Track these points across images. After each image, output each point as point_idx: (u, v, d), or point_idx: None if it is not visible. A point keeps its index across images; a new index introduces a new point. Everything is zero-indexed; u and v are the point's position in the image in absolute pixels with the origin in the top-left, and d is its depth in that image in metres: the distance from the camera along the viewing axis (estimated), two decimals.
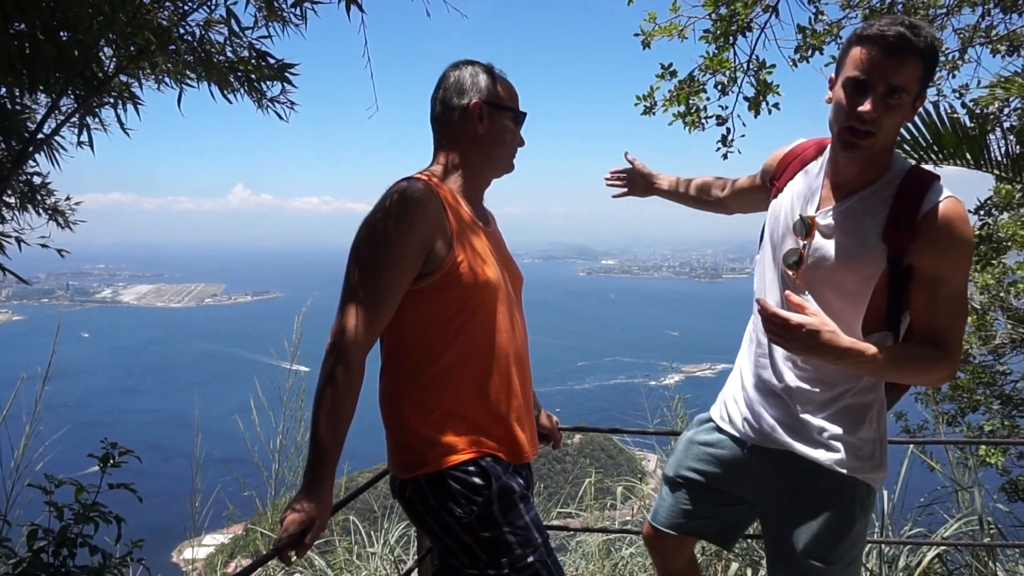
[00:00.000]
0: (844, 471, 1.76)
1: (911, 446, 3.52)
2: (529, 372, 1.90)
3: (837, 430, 1.77)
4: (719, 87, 5.07)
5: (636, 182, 2.53)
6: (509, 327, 1.80)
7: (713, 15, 4.86)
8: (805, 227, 1.77)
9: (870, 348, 1.62)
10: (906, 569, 3.15)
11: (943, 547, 3.22)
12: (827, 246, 1.73)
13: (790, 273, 1.80)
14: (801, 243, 1.77)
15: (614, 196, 2.58)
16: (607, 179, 2.58)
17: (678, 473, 2.10)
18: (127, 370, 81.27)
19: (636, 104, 5.24)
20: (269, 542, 3.93)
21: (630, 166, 2.54)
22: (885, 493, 3.37)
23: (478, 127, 1.79)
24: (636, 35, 5.06)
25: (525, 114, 1.87)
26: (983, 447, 5.14)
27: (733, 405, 1.98)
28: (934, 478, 3.66)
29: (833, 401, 1.77)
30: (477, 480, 1.67)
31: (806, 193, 1.83)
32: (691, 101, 5.11)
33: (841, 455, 1.76)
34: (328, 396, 1.57)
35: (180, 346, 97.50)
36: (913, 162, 1.74)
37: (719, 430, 2.02)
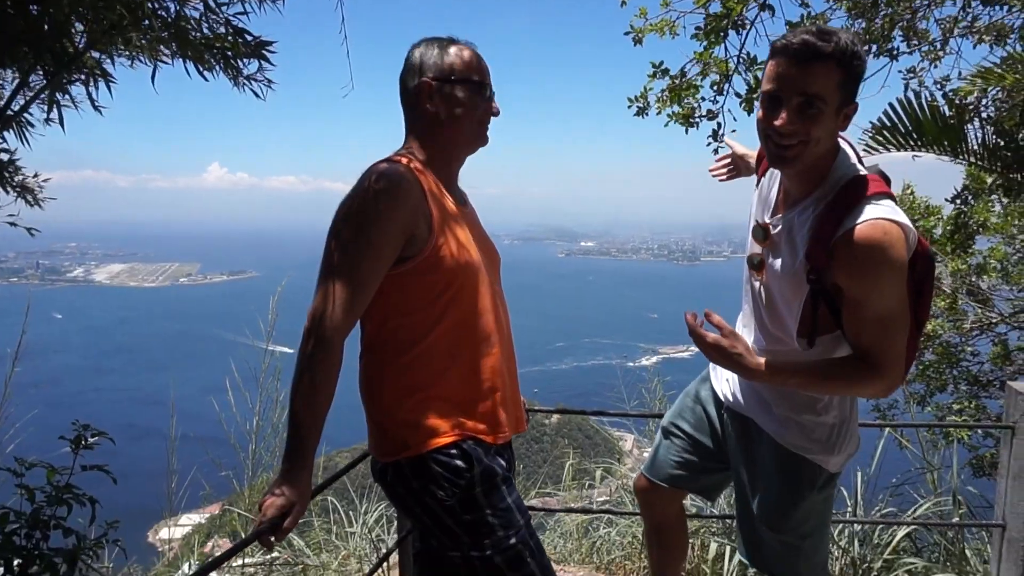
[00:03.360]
0: (792, 449, 1.84)
1: (885, 428, 3.58)
2: (513, 351, 1.90)
3: (789, 409, 1.84)
4: (715, 87, 5.09)
5: (738, 165, 2.48)
6: (491, 308, 1.79)
7: (706, 10, 4.86)
8: (762, 233, 1.82)
9: (776, 370, 1.68)
10: (877, 547, 3.22)
11: (914, 526, 3.30)
12: (774, 255, 1.78)
13: (754, 273, 1.86)
14: (761, 249, 1.82)
15: (721, 181, 2.52)
16: (712, 170, 2.52)
17: (673, 422, 2.21)
18: (99, 350, 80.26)
19: (629, 106, 5.24)
20: (246, 522, 3.91)
21: (729, 151, 2.49)
22: (859, 473, 3.43)
23: (429, 106, 1.76)
24: (627, 33, 5.04)
25: (481, 83, 1.77)
26: (952, 428, 5.26)
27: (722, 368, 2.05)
28: (906, 458, 3.73)
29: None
30: (459, 463, 1.67)
31: (766, 197, 1.87)
32: (685, 101, 5.12)
33: (791, 433, 1.85)
34: (306, 380, 1.55)
35: (153, 326, 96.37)
36: (861, 171, 1.68)
37: (712, 387, 2.12)
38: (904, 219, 1.59)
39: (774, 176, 1.86)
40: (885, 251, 1.54)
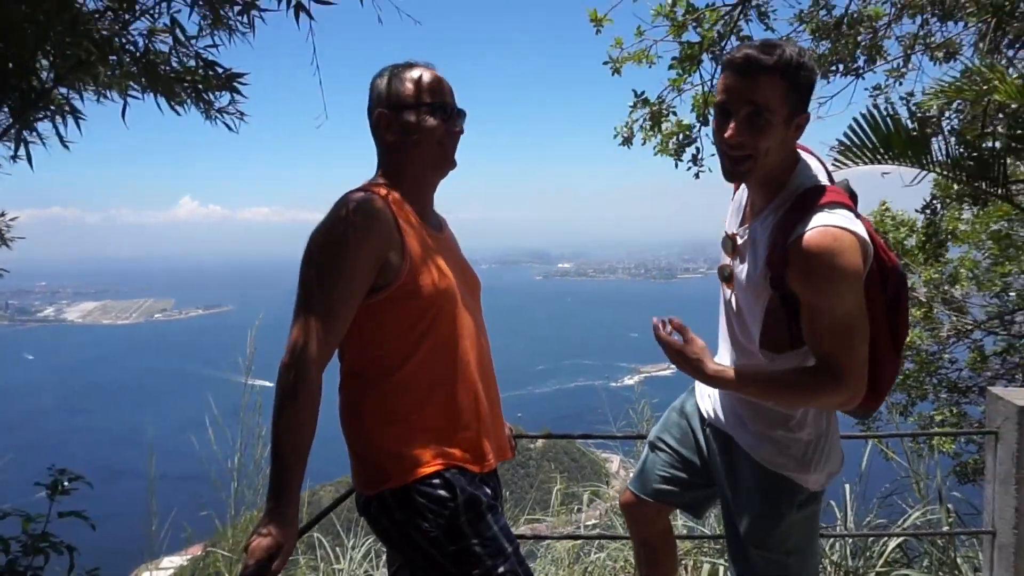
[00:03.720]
0: (768, 466, 1.84)
1: (870, 440, 3.60)
2: (494, 377, 1.89)
3: (764, 425, 1.84)
4: (695, 109, 5.17)
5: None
6: (470, 334, 1.78)
7: (678, 39, 4.95)
8: (730, 244, 1.84)
9: (738, 376, 1.70)
10: (870, 559, 3.21)
11: (903, 536, 3.30)
12: (739, 265, 1.80)
13: (724, 285, 1.87)
14: (730, 261, 1.84)
15: None
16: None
17: (659, 436, 2.21)
18: (71, 390, 78.68)
19: (615, 136, 5.31)
20: (230, 563, 3.81)
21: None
22: (848, 485, 3.44)
23: (387, 136, 1.76)
24: (605, 63, 5.11)
25: (441, 104, 1.74)
26: (936, 437, 5.31)
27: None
28: (892, 468, 3.74)
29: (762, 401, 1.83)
30: (443, 492, 1.64)
31: (737, 208, 1.90)
32: (663, 127, 5.19)
33: (765, 449, 1.84)
34: (287, 414, 1.52)
35: (128, 363, 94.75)
36: (821, 181, 1.71)
37: (697, 404, 2.12)
38: (859, 228, 1.59)
39: (744, 189, 1.88)
40: (835, 257, 1.54)
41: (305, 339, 1.55)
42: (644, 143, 5.31)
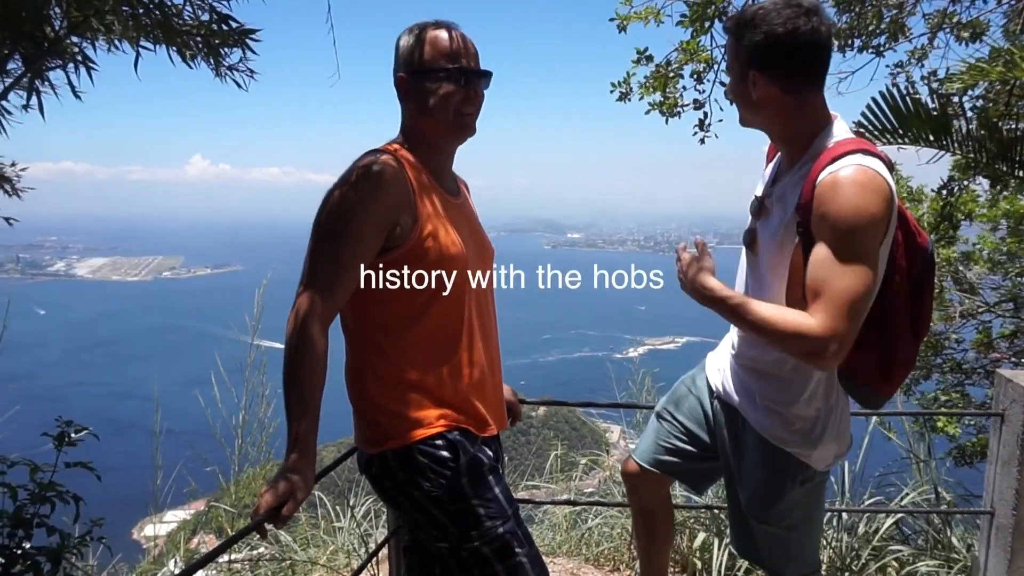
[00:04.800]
0: (773, 441, 1.84)
1: (873, 417, 3.59)
2: (497, 345, 1.89)
3: (771, 400, 1.84)
4: (695, 75, 5.09)
5: None
6: (477, 301, 1.78)
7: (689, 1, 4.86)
8: (757, 206, 1.85)
9: (729, 295, 1.69)
10: (865, 536, 3.23)
11: (900, 515, 3.32)
12: (765, 223, 1.81)
13: (746, 251, 1.88)
14: (755, 223, 1.85)
15: None
16: None
17: (666, 408, 2.22)
18: (79, 344, 79.40)
19: (612, 91, 5.23)
20: (232, 518, 3.88)
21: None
22: (846, 463, 3.45)
23: (406, 102, 1.76)
24: (611, 20, 5.02)
25: (455, 70, 1.69)
26: (941, 418, 5.32)
27: (718, 358, 2.09)
28: (893, 447, 3.75)
29: (771, 371, 1.84)
30: (445, 453, 1.66)
31: (767, 173, 1.91)
32: (667, 90, 5.12)
33: (771, 424, 1.85)
34: (294, 370, 1.55)
35: (136, 320, 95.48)
36: (849, 136, 1.72)
37: (707, 378, 2.13)
38: (890, 180, 1.60)
39: (777, 157, 1.90)
40: (863, 193, 1.54)
41: (310, 297, 1.57)
42: (641, 99, 5.24)
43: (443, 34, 1.72)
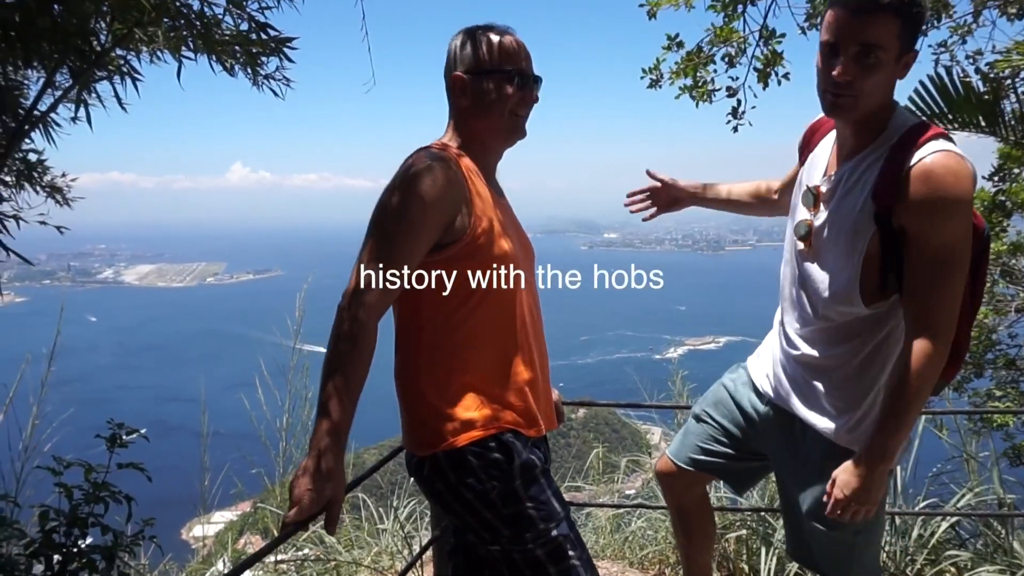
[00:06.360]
0: (841, 443, 1.78)
1: (922, 416, 3.48)
2: (545, 345, 1.88)
3: (838, 400, 1.79)
4: (727, 59, 4.98)
5: (660, 197, 2.40)
6: (526, 300, 1.78)
7: None
8: (812, 197, 1.78)
9: (885, 434, 1.63)
10: (920, 540, 3.14)
11: (957, 517, 3.21)
12: (827, 213, 1.74)
13: (800, 245, 1.80)
14: (810, 214, 1.78)
15: (644, 219, 2.43)
16: (627, 204, 2.43)
17: (704, 410, 2.17)
18: (128, 349, 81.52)
19: (642, 77, 5.15)
20: (278, 520, 3.93)
21: (651, 185, 2.39)
22: (897, 465, 3.35)
23: (461, 100, 1.76)
24: (641, 5, 4.95)
25: (513, 72, 1.73)
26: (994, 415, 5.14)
27: (763, 360, 2.03)
28: (943, 447, 3.64)
29: (838, 372, 1.78)
30: (498, 455, 1.64)
31: (818, 163, 1.84)
32: (699, 74, 5.01)
33: (836, 424, 1.79)
34: (337, 359, 1.51)
35: (181, 325, 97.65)
36: (919, 119, 1.69)
37: (752, 381, 2.07)
38: (971, 161, 1.58)
39: (828, 141, 1.83)
40: (958, 180, 1.53)
41: (363, 287, 1.55)
42: (671, 83, 5.14)
43: (501, 37, 1.75)
